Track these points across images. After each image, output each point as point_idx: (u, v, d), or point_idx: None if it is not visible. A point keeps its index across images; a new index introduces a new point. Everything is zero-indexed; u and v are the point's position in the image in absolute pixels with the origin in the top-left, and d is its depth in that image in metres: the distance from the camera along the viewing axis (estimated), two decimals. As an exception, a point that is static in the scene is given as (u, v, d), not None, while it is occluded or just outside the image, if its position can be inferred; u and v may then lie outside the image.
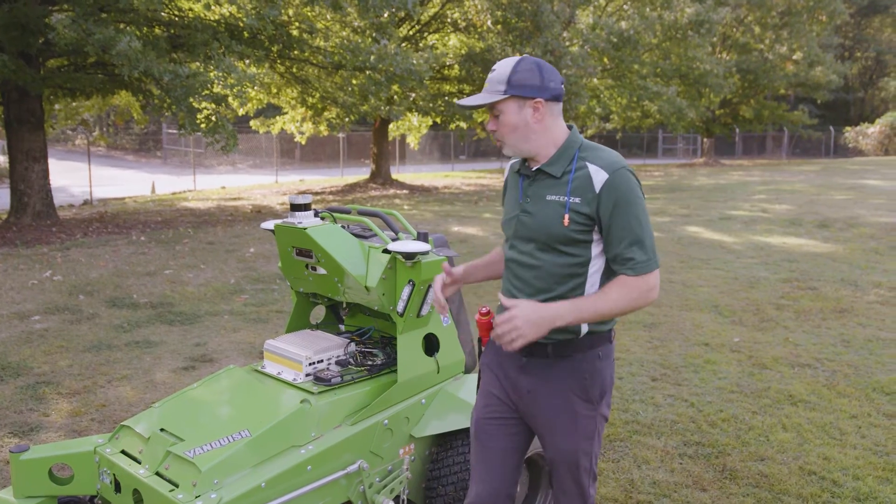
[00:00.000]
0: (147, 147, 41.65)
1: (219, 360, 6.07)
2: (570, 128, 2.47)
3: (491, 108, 2.41)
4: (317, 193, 21.80)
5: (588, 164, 2.35)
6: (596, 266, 2.40)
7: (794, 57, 35.69)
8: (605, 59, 24.62)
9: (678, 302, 8.00)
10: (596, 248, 2.38)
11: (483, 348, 2.69)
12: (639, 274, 2.31)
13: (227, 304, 7.88)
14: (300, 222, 3.23)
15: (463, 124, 23.17)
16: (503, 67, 2.39)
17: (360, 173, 28.67)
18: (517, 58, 2.41)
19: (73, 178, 24.81)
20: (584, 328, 2.42)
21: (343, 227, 3.43)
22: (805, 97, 42.49)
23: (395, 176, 26.45)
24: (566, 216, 2.33)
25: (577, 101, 21.64)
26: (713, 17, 24.99)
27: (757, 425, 4.76)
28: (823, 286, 8.66)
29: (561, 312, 2.27)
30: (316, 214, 3.38)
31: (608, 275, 2.42)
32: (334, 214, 3.49)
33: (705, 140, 40.84)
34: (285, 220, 3.32)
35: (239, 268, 9.77)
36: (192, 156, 29.42)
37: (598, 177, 2.32)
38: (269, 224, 3.47)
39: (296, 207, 3.26)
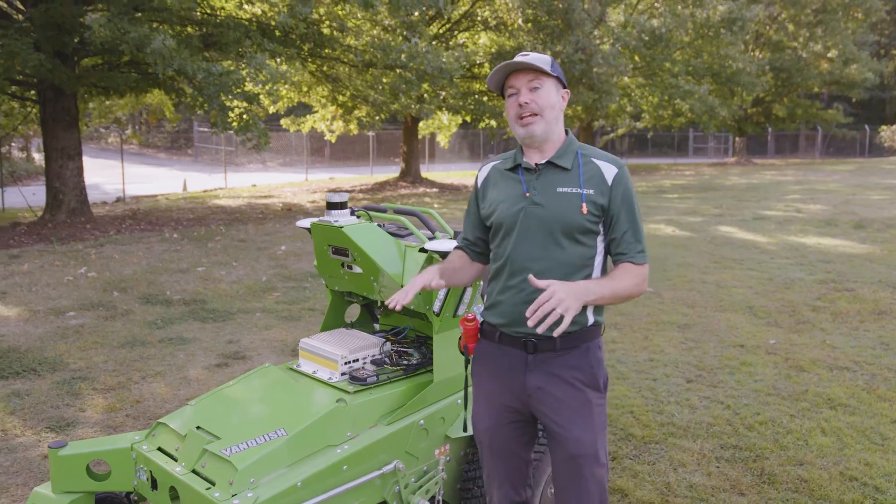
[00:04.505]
0: (178, 145, 42.09)
1: (251, 357, 6.09)
2: (566, 132, 2.58)
3: (533, 77, 2.46)
4: (347, 191, 21.80)
5: (594, 159, 2.50)
6: (599, 258, 2.50)
7: (829, 55, 35.10)
8: (637, 58, 24.40)
9: (712, 303, 7.90)
10: (600, 241, 2.50)
11: (470, 356, 2.71)
12: (639, 263, 2.45)
13: (260, 302, 7.91)
14: (336, 221, 3.22)
15: (493, 123, 23.10)
16: (539, 54, 2.49)
17: (390, 172, 28.71)
18: (545, 55, 2.52)
19: (107, 175, 25.13)
20: (591, 318, 2.49)
21: (379, 225, 3.41)
22: (839, 95, 41.75)
23: (424, 174, 26.44)
24: (584, 205, 2.41)
25: (608, 100, 21.49)
26: (746, 14, 24.63)
27: (795, 429, 4.67)
28: (861, 288, 8.50)
29: (591, 287, 2.32)
30: (352, 213, 3.37)
31: (605, 267, 2.55)
32: (370, 213, 3.47)
33: (737, 139, 40.35)
34: (321, 218, 3.31)
35: (271, 265, 9.82)
36: (223, 154, 29.65)
37: (609, 171, 2.46)
38: (305, 222, 3.46)
39: (332, 206, 3.25)
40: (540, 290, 2.38)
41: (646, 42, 22.58)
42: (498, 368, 2.59)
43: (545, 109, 2.46)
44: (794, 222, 14.01)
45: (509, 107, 2.51)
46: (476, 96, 21.98)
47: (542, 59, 2.46)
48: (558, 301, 2.17)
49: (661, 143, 46.79)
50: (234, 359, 6.04)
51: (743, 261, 10.22)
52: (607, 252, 2.53)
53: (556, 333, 2.19)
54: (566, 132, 2.57)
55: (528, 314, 2.19)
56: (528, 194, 2.48)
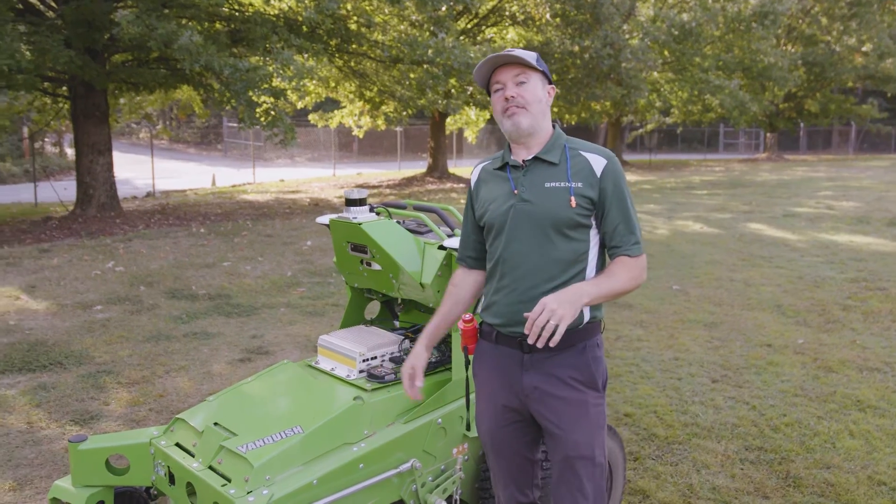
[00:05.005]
0: (208, 140, 42.43)
1: (275, 352, 6.11)
2: (553, 126, 2.56)
3: (519, 72, 2.45)
4: (374, 187, 21.92)
5: (582, 152, 2.46)
6: (594, 252, 2.47)
7: (864, 49, 34.50)
8: (666, 52, 24.18)
9: (740, 301, 7.79)
10: (593, 235, 2.45)
11: (470, 357, 2.70)
12: (635, 255, 2.41)
13: (284, 297, 7.94)
14: (355, 217, 3.20)
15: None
16: (523, 52, 2.47)
17: (418, 167, 28.72)
18: (531, 52, 2.51)
19: (138, 170, 25.41)
20: (587, 316, 2.44)
21: (398, 222, 3.39)
22: (874, 90, 40.95)
23: (451, 170, 26.41)
24: (572, 199, 2.37)
25: (637, 95, 21.32)
26: (778, 8, 24.28)
27: (822, 431, 4.59)
28: (893, 287, 8.34)
29: (585, 289, 2.30)
30: (371, 209, 3.35)
31: (602, 261, 2.51)
32: (390, 210, 3.45)
33: (768, 135, 39.86)
34: (340, 214, 3.30)
35: (296, 260, 9.85)
36: (251, 149, 29.84)
37: (598, 163, 2.42)
38: (325, 218, 3.45)
39: (351, 202, 3.23)
40: (533, 295, 2.39)
41: (675, 37, 22.37)
42: (496, 368, 2.56)
43: (531, 103, 2.44)
44: (826, 219, 13.79)
45: (495, 102, 2.49)
46: (503, 91, 21.88)
47: (527, 54, 2.45)
48: (550, 312, 2.17)
49: (691, 139, 46.36)
50: (257, 354, 6.06)
51: (772, 258, 10.08)
52: (602, 246, 2.49)
53: (552, 343, 2.16)
54: (554, 126, 2.54)
55: (526, 332, 2.20)
56: (516, 192, 2.46)
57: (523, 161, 2.48)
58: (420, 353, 2.68)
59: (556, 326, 2.16)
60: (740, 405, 4.99)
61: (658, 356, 6.01)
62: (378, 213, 3.38)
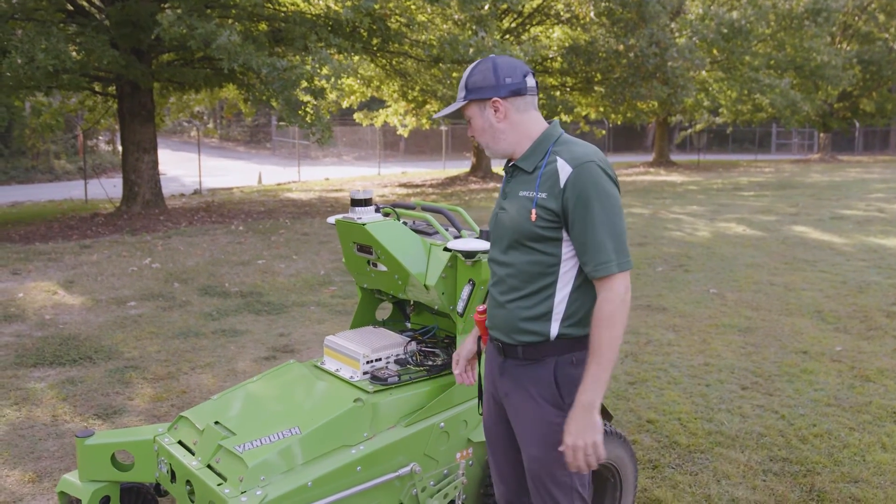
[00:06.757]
0: (257, 139, 42.99)
1: (301, 351, 6.12)
2: (551, 122, 2.41)
3: (464, 112, 2.43)
4: (417, 186, 21.95)
5: (558, 157, 2.27)
6: (567, 266, 2.30)
7: (923, 47, 33.52)
8: (715, 51, 23.76)
9: (778, 306, 7.59)
10: (567, 248, 2.28)
11: (482, 348, 2.67)
12: (600, 277, 2.20)
13: (315, 296, 7.97)
14: (360, 218, 3.18)
15: (565, 117, 22.84)
16: (464, 74, 2.39)
17: (463, 166, 28.70)
18: (478, 61, 2.39)
19: (187, 168, 25.85)
20: (554, 331, 2.31)
21: (404, 223, 3.36)
22: (934, 90, 39.82)
23: (495, 169, 26.33)
24: (533, 211, 2.25)
25: (684, 94, 20.98)
26: (832, 4, 23.69)
27: (853, 443, 4.42)
28: (941, 293, 8.05)
29: (590, 398, 2.20)
30: (378, 210, 3.32)
31: (581, 276, 2.30)
32: (398, 210, 3.42)
33: (822, 135, 38.92)
34: (346, 215, 3.28)
35: (330, 259, 9.89)
36: (297, 147, 30.12)
37: (564, 171, 2.23)
38: (332, 219, 3.44)
39: (356, 203, 3.21)
40: (502, 301, 2.39)
41: (724, 35, 21.96)
42: (489, 364, 2.57)
43: (479, 138, 2.41)
44: (875, 222, 13.38)
45: None
46: (547, 90, 21.77)
47: (460, 89, 2.40)
48: (584, 447, 2.20)
49: (742, 139, 45.53)
50: (283, 352, 6.08)
51: (816, 262, 9.80)
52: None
53: (593, 465, 2.24)
54: (548, 124, 2.39)
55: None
56: (501, 199, 2.44)
57: (510, 167, 2.46)
58: (465, 344, 2.68)
59: (596, 453, 2.21)
60: (768, 414, 4.85)
61: (688, 361, 5.87)
62: (386, 214, 3.35)
